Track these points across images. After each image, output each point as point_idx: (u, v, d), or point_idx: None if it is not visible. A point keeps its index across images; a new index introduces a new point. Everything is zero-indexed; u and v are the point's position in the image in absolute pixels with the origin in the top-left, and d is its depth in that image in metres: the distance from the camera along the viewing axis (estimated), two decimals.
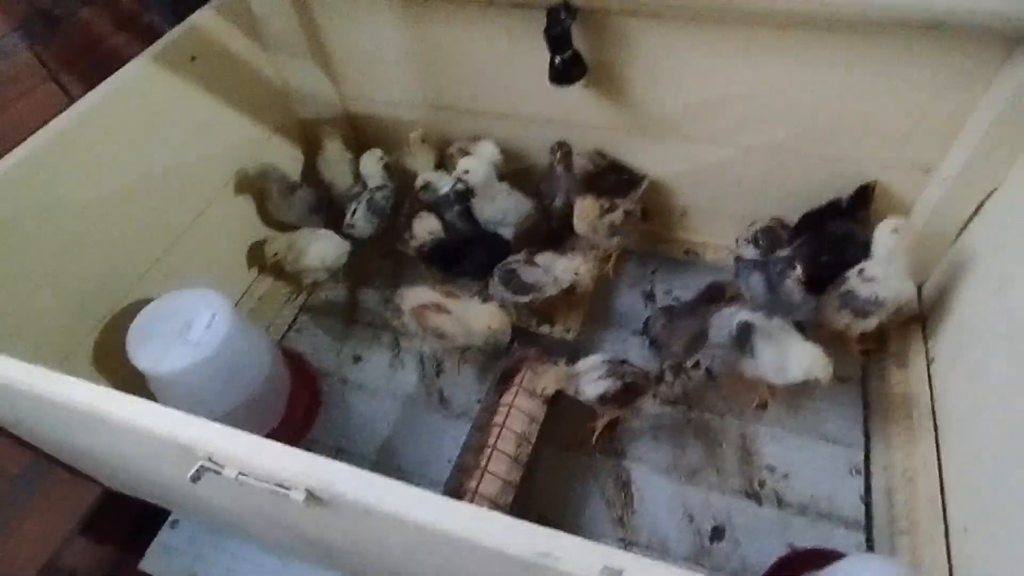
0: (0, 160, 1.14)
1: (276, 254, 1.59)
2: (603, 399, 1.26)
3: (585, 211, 1.46)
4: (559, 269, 1.45)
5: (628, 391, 1.26)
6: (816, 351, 1.24)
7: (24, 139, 1.23)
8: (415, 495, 0.60)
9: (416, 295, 1.41)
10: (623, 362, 1.30)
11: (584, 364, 1.28)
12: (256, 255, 1.72)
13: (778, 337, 1.27)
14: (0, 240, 1.13)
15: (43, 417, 0.86)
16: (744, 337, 1.28)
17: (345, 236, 1.66)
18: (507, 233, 1.61)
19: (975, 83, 1.18)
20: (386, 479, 0.62)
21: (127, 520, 1.57)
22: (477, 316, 1.39)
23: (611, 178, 1.61)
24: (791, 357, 1.25)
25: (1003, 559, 0.98)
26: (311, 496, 0.64)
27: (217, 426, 0.68)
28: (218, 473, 0.67)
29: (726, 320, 1.32)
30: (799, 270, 1.30)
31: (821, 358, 1.23)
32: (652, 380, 1.31)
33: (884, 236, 1.26)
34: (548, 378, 1.26)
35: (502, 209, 1.55)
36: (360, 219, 1.66)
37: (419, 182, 1.65)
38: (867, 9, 1.09)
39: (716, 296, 1.32)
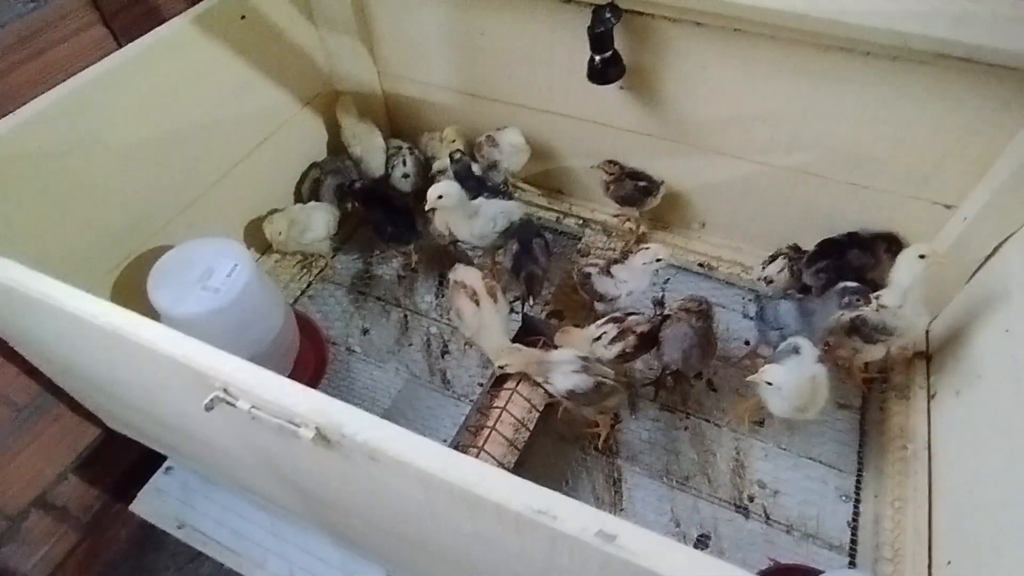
0: (45, 94, 1.17)
1: (280, 233, 1.61)
2: (572, 394, 1.26)
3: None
4: (632, 285, 1.42)
5: (598, 390, 1.25)
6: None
7: (72, 75, 1.26)
8: (423, 443, 0.62)
9: (464, 273, 1.42)
10: (599, 361, 1.30)
11: (558, 355, 1.28)
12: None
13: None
14: (37, 172, 1.17)
15: (70, 338, 0.88)
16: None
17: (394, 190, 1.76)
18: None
19: (1005, 126, 1.20)
20: (395, 426, 0.64)
21: (121, 465, 1.60)
22: (489, 333, 1.38)
23: (628, 186, 1.62)
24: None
25: None
26: (320, 435, 0.66)
27: (236, 359, 0.70)
28: (232, 405, 0.69)
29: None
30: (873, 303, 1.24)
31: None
32: (626, 386, 1.30)
33: (909, 262, 1.24)
34: (574, 338, 1.28)
35: (490, 220, 1.51)
36: (411, 167, 1.75)
37: (436, 167, 1.71)
38: (909, 39, 1.11)
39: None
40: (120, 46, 1.36)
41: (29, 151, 1.14)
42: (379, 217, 1.64)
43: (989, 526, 1.04)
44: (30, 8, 1.22)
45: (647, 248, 1.40)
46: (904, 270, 1.26)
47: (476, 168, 1.68)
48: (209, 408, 0.69)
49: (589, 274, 1.47)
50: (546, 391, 1.30)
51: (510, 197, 1.69)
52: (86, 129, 1.22)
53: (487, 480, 0.59)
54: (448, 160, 1.68)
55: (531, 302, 1.55)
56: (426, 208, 1.46)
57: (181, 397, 0.79)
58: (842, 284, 1.24)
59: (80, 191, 1.24)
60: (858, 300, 1.21)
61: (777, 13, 1.16)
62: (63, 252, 1.23)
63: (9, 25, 1.19)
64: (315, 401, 0.66)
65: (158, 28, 1.33)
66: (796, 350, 1.23)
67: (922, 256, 1.23)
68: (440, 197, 1.43)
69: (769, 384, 1.17)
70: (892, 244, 1.46)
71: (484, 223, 1.50)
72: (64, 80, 1.23)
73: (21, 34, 1.21)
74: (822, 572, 1.10)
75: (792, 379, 1.17)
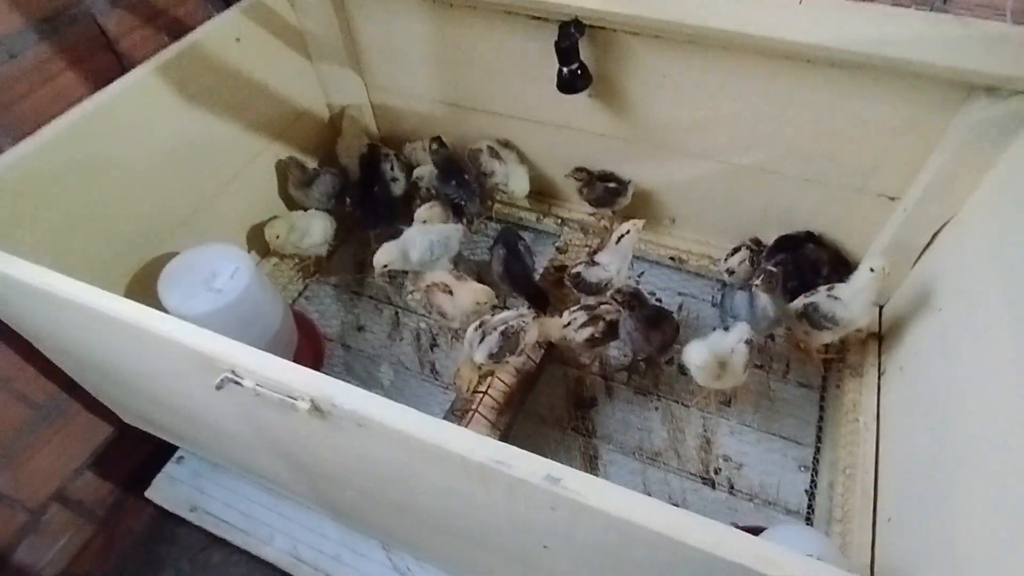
0: (62, 115, 1.29)
1: (278, 236, 1.72)
2: (494, 356, 1.37)
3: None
4: (618, 263, 1.53)
5: (509, 338, 1.38)
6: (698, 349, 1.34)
7: (78, 98, 1.38)
8: (402, 409, 0.74)
9: (431, 275, 1.53)
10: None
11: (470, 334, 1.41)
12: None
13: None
14: (57, 187, 1.28)
15: (96, 335, 1.00)
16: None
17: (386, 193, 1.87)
18: (444, 265, 1.68)
19: (935, 123, 1.31)
20: (377, 397, 0.76)
21: (133, 461, 1.70)
22: (466, 294, 1.51)
23: (599, 188, 1.74)
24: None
25: (915, 547, 1.10)
26: (314, 407, 0.77)
27: (241, 345, 0.82)
28: (239, 384, 0.81)
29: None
30: (765, 278, 1.40)
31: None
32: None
33: (862, 270, 1.39)
34: (548, 326, 1.42)
35: (427, 249, 1.61)
36: (399, 172, 1.87)
37: (416, 173, 1.85)
38: (835, 52, 1.23)
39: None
40: (124, 69, 1.47)
41: (50, 168, 1.25)
42: (359, 195, 1.80)
43: (921, 485, 1.16)
44: (40, 38, 1.33)
45: (627, 232, 1.54)
46: (859, 275, 1.41)
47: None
48: (219, 387, 0.81)
49: (579, 273, 1.57)
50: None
51: (473, 196, 1.81)
52: (100, 147, 1.34)
53: (454, 437, 0.71)
54: (429, 166, 1.82)
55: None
56: (376, 275, 1.61)
57: (193, 382, 0.91)
58: (762, 267, 1.37)
59: (95, 204, 1.35)
60: (770, 280, 1.36)
61: (718, 31, 1.28)
62: (81, 259, 1.34)
63: (22, 54, 1.30)
64: (309, 377, 0.78)
65: (160, 53, 1.45)
66: (727, 329, 1.37)
67: (872, 269, 1.37)
68: (386, 266, 1.58)
69: (698, 366, 1.31)
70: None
71: (421, 252, 1.60)
72: (74, 101, 1.35)
73: (34, 61, 1.32)
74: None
75: (706, 351, 1.32)
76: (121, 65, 1.48)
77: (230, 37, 1.56)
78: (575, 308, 1.46)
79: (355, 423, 0.76)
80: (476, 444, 0.70)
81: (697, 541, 0.64)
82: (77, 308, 0.89)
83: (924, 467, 1.17)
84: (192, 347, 0.82)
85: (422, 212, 1.75)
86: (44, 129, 1.25)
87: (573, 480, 0.67)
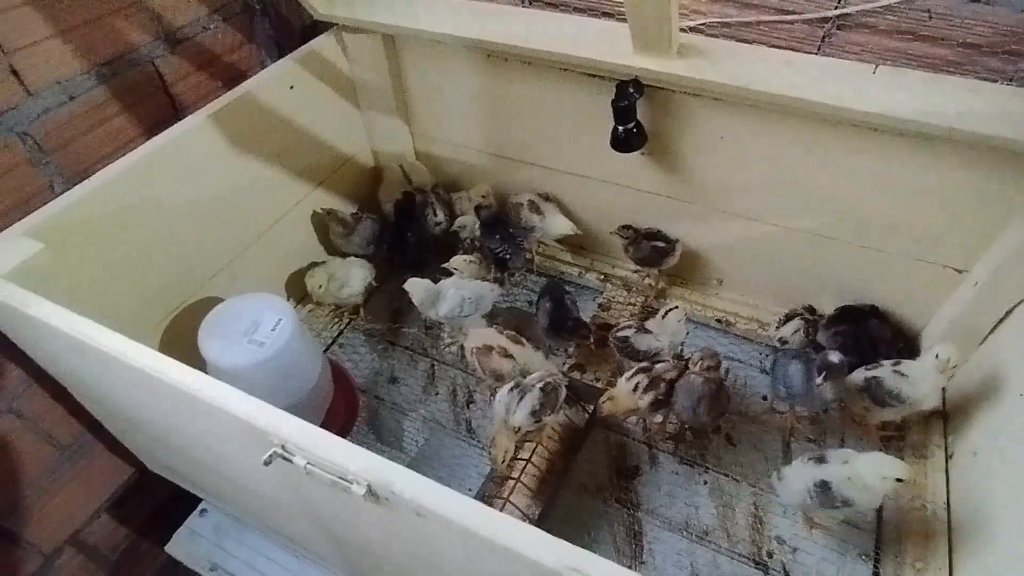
0: (113, 163, 1.28)
1: (321, 287, 1.70)
2: (537, 415, 1.32)
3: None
4: (670, 337, 1.49)
5: (550, 394, 1.34)
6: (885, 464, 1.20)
7: (132, 140, 1.39)
8: (466, 502, 0.68)
9: (480, 335, 1.48)
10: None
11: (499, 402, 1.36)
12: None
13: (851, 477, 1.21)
14: (102, 232, 1.27)
15: (137, 392, 0.96)
16: (825, 493, 1.23)
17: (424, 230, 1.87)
18: (473, 322, 1.64)
19: (1009, 197, 1.25)
20: (440, 486, 0.70)
21: (150, 506, 1.66)
22: (536, 367, 1.45)
23: (645, 247, 1.70)
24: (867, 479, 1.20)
25: None
26: (370, 492, 0.71)
27: (294, 419, 0.77)
28: (288, 461, 0.75)
29: (797, 472, 1.28)
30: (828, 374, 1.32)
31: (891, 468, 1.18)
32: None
33: (929, 357, 1.32)
34: (620, 399, 1.37)
35: (456, 305, 1.58)
36: (442, 216, 1.87)
37: (458, 223, 1.83)
38: (909, 123, 1.18)
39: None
40: (179, 113, 1.48)
41: (97, 214, 1.24)
42: (392, 240, 1.82)
43: None
44: (99, 81, 1.34)
45: (675, 307, 1.49)
46: (927, 358, 1.34)
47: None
48: (267, 463, 0.76)
49: (627, 337, 1.52)
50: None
51: (518, 250, 1.78)
52: (149, 192, 1.33)
53: (524, 538, 0.65)
54: (472, 216, 1.82)
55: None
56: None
57: (239, 451, 0.86)
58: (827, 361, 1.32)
59: (137, 250, 1.34)
60: (836, 375, 1.31)
61: (786, 97, 1.25)
62: (121, 304, 1.32)
63: (80, 96, 1.31)
64: (367, 460, 0.72)
65: (215, 101, 1.45)
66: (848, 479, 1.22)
67: (936, 356, 1.30)
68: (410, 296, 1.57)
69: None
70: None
71: (450, 307, 1.57)
72: (128, 142, 1.35)
73: (92, 103, 1.33)
74: None
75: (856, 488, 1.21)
76: (175, 109, 1.50)
77: (284, 85, 1.57)
78: (631, 373, 1.40)
79: (414, 512, 0.70)
80: (549, 548, 0.63)
81: None
82: (121, 365, 0.85)
83: (1011, 566, 1.07)
84: (242, 417, 0.77)
85: (458, 260, 1.72)
86: (96, 175, 1.25)
87: None
